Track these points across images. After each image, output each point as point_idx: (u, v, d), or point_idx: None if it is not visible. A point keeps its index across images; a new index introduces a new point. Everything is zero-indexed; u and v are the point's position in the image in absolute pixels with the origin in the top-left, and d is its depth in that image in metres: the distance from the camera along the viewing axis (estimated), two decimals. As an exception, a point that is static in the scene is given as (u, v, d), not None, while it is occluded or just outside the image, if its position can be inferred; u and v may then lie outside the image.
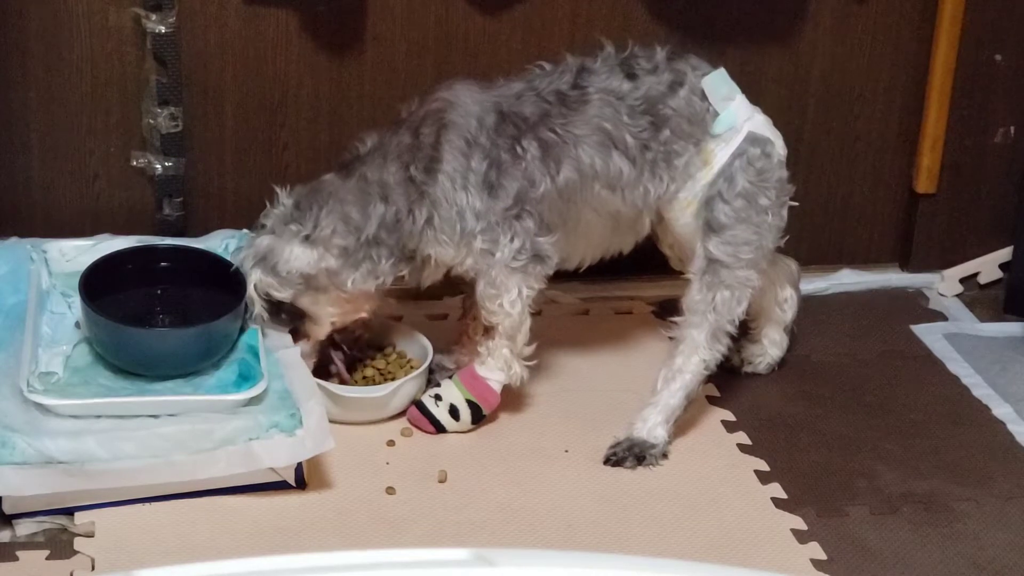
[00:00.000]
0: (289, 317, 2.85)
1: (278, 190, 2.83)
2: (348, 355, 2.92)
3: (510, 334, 2.85)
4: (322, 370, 2.89)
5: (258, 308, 2.81)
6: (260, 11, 3.12)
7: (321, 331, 2.86)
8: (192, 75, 3.12)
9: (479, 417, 2.90)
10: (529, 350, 2.90)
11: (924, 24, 3.39)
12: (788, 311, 3.16)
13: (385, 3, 3.17)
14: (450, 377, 2.93)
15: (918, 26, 3.40)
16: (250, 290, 2.80)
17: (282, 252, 2.78)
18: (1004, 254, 3.57)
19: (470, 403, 2.88)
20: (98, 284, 2.81)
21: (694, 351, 2.88)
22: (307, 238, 2.77)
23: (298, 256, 2.77)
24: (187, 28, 3.09)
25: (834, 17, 3.37)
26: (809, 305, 3.24)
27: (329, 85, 3.20)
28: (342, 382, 2.90)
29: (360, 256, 2.78)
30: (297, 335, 2.86)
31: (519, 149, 2.78)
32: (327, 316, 2.85)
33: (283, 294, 2.80)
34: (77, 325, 2.86)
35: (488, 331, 2.87)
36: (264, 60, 3.15)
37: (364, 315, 2.89)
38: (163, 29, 3.05)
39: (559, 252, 2.86)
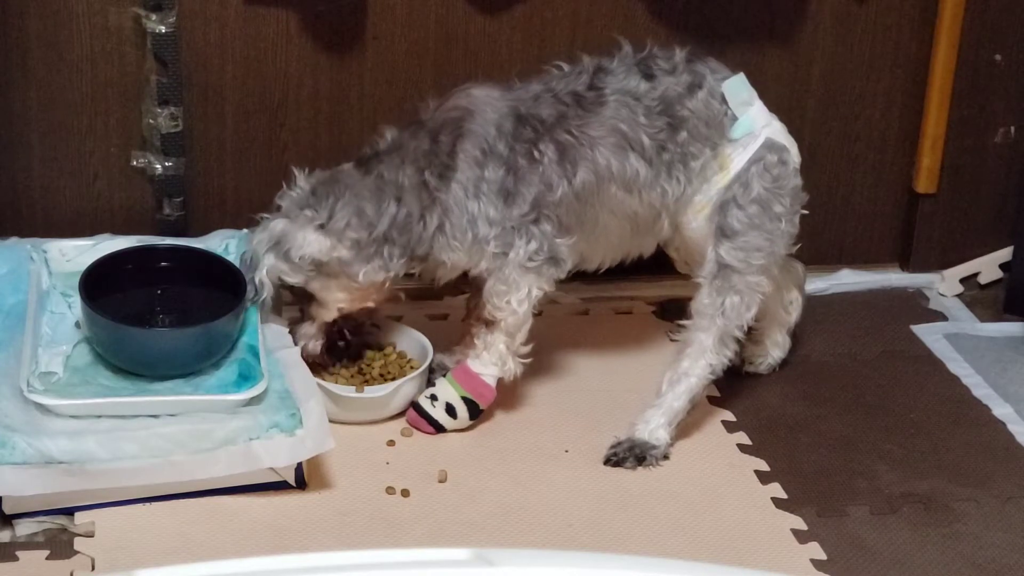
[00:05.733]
0: (297, 299, 2.86)
1: (296, 171, 2.84)
2: (351, 342, 2.93)
3: (511, 331, 2.86)
4: (325, 354, 2.91)
5: (266, 293, 2.81)
6: (260, 11, 3.12)
7: (328, 315, 2.87)
8: (192, 75, 3.13)
9: (476, 413, 2.90)
10: (526, 349, 2.90)
11: (924, 24, 3.39)
12: (792, 313, 3.16)
13: (385, 3, 3.17)
14: (444, 376, 2.93)
15: (918, 26, 3.40)
16: (262, 274, 2.80)
17: (295, 238, 2.78)
18: (1004, 254, 3.57)
19: (466, 400, 2.88)
20: (98, 284, 2.81)
21: (701, 355, 2.88)
22: (321, 227, 2.78)
23: (311, 243, 2.78)
24: (187, 28, 3.09)
25: (834, 17, 3.37)
26: (809, 305, 3.24)
27: (329, 85, 3.20)
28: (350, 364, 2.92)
29: (372, 251, 2.79)
30: (298, 327, 2.88)
31: (536, 153, 2.79)
32: (335, 302, 2.85)
33: (294, 279, 2.81)
34: (77, 325, 2.86)
35: (488, 324, 2.87)
36: (264, 60, 3.16)
37: (372, 304, 2.90)
38: (163, 29, 3.05)
39: (576, 256, 2.87)
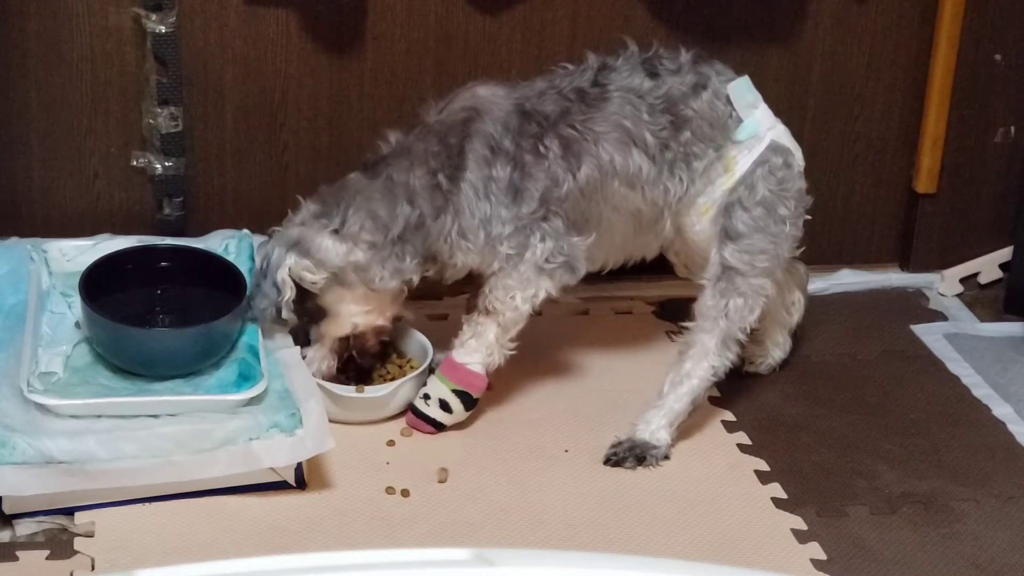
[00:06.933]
0: (309, 318, 2.85)
1: (302, 200, 2.83)
2: (359, 365, 2.92)
3: (506, 326, 2.86)
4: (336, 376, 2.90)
5: (290, 294, 2.79)
6: (260, 11, 3.12)
7: (340, 330, 2.86)
8: (192, 75, 3.12)
9: (471, 403, 2.90)
10: (513, 343, 2.89)
11: (924, 24, 3.39)
12: (794, 314, 3.17)
13: (385, 3, 3.17)
14: (432, 372, 2.92)
15: (918, 26, 3.40)
16: (284, 273, 2.78)
17: (313, 240, 2.78)
18: (1004, 254, 3.57)
19: (457, 393, 2.88)
20: (98, 284, 2.81)
21: (704, 356, 2.88)
22: (335, 232, 2.78)
23: (328, 248, 2.78)
24: (187, 28, 3.09)
25: (834, 17, 3.37)
26: (809, 305, 3.24)
27: (329, 85, 3.20)
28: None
29: (386, 253, 2.79)
30: (307, 351, 2.86)
31: (542, 148, 2.79)
32: (350, 315, 2.85)
33: (318, 276, 2.79)
34: (77, 325, 2.86)
35: (483, 313, 2.86)
36: (264, 60, 3.15)
37: (384, 322, 2.89)
38: (163, 29, 3.05)
39: (590, 262, 2.87)
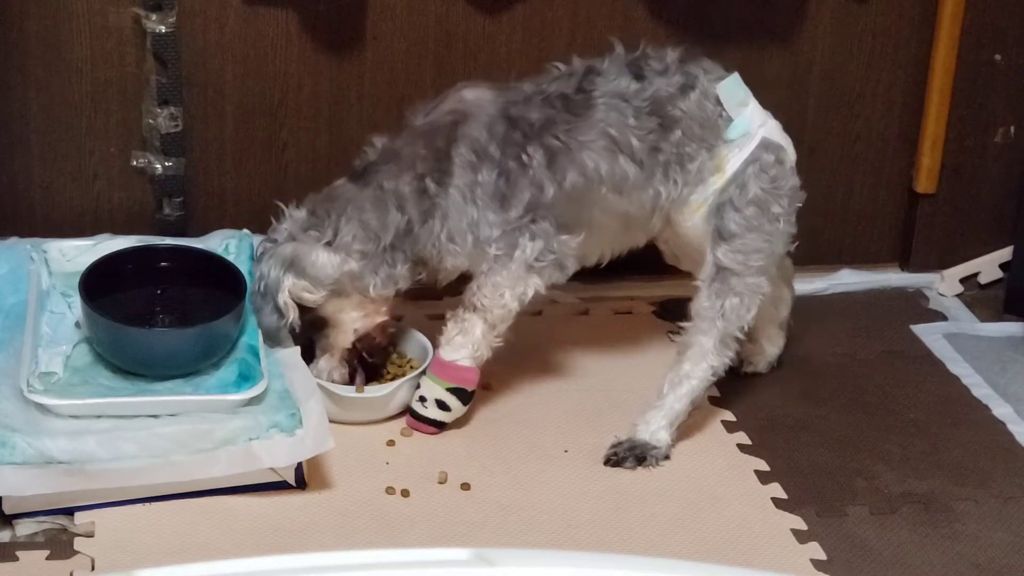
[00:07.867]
0: (311, 330, 2.85)
1: (282, 206, 2.84)
2: (369, 363, 2.92)
3: (494, 323, 2.85)
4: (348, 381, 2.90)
5: (294, 315, 2.80)
6: (260, 11, 3.12)
7: (345, 339, 2.86)
8: (192, 75, 3.12)
9: (468, 398, 2.89)
10: (499, 340, 2.89)
11: (924, 24, 3.39)
12: (783, 308, 3.16)
13: (385, 3, 3.17)
14: (424, 372, 2.92)
15: (918, 26, 3.40)
16: (284, 296, 2.79)
17: (308, 257, 2.78)
18: (1004, 254, 3.57)
19: (452, 390, 2.88)
20: (98, 284, 2.81)
21: (702, 357, 2.88)
22: (328, 244, 2.78)
23: (323, 263, 2.78)
24: (187, 28, 3.09)
25: (834, 17, 3.37)
26: (809, 305, 3.24)
27: (329, 85, 3.20)
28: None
29: (379, 261, 2.79)
30: (315, 363, 2.87)
31: (525, 157, 2.79)
32: (351, 322, 2.85)
33: (316, 296, 2.80)
34: (77, 325, 2.86)
35: (470, 308, 2.86)
36: (264, 60, 3.16)
37: (384, 318, 2.89)
38: (163, 29, 3.05)
39: (580, 259, 2.87)
